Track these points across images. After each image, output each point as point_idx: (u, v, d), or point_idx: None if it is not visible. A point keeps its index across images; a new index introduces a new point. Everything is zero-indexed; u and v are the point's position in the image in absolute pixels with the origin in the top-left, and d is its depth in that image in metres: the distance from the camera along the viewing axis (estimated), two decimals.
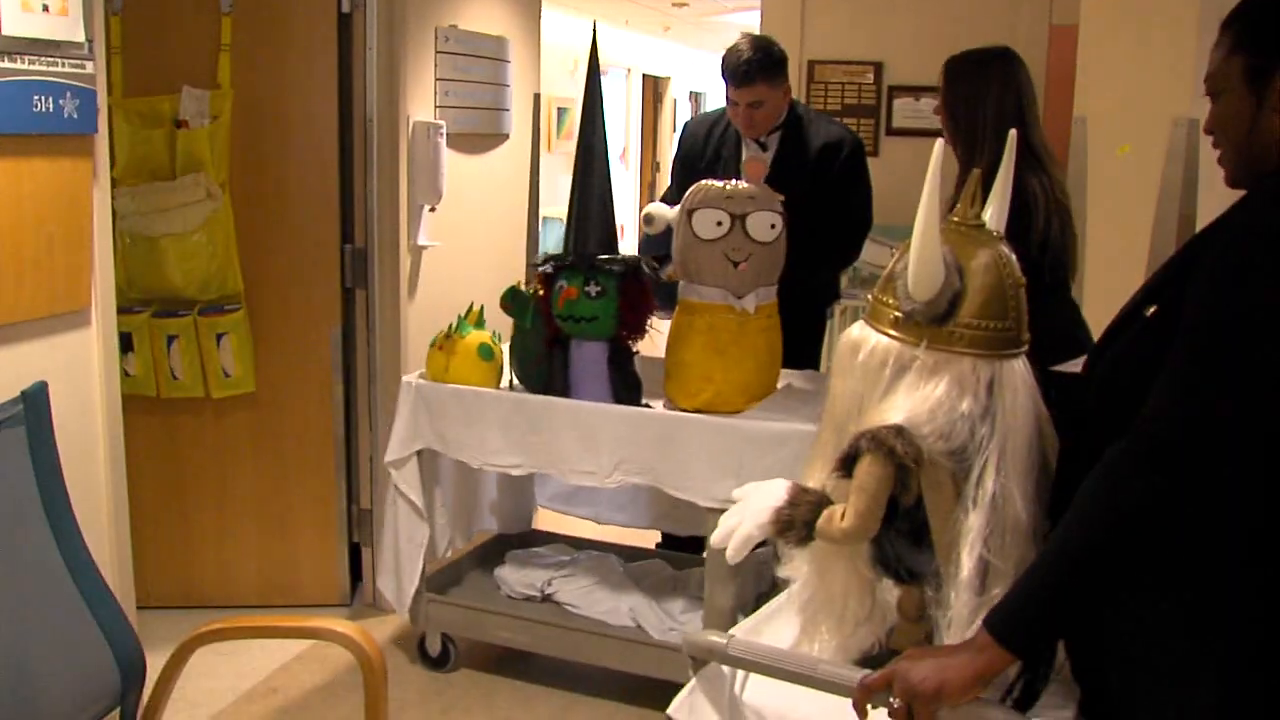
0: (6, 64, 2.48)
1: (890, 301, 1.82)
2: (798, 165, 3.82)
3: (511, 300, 3.43)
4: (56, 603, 2.36)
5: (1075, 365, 1.92)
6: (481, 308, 3.52)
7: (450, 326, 3.46)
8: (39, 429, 2.37)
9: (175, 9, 3.82)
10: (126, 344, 3.67)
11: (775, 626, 2.04)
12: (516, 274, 4.94)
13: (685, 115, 16.65)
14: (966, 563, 1.69)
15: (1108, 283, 4.01)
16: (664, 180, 6.39)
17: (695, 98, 17.72)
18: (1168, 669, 1.52)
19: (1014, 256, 1.84)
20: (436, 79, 4.13)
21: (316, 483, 4.05)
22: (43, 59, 2.57)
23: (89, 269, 2.87)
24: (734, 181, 3.15)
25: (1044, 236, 2.92)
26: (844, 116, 7.86)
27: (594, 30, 3.41)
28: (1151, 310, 1.66)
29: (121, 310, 3.28)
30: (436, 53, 4.12)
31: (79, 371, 2.88)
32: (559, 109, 11.85)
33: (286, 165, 3.88)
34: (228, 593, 4.05)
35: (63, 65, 2.63)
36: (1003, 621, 1.54)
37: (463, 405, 3.42)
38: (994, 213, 1.96)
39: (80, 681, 2.32)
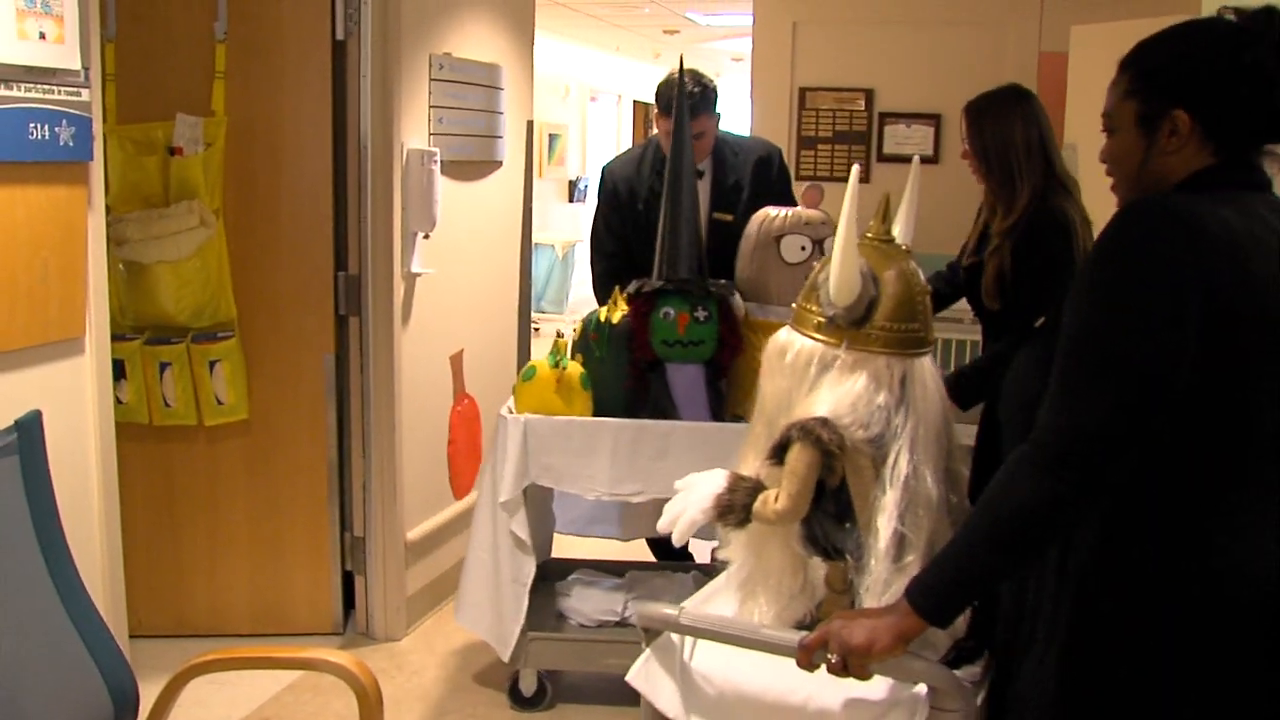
0: (3, 91, 2.48)
1: (814, 308, 2.06)
2: (734, 185, 3.97)
3: (596, 330, 3.42)
4: (49, 632, 2.34)
5: None
6: (571, 340, 3.47)
7: (554, 359, 3.37)
8: (33, 458, 2.36)
9: (169, 36, 3.82)
10: (119, 371, 3.65)
11: (716, 604, 2.24)
12: (510, 301, 4.94)
13: None
14: (884, 535, 1.93)
15: None
16: None
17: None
18: (1037, 631, 1.80)
19: (918, 268, 2.10)
20: (430, 106, 4.14)
21: (309, 510, 4.04)
22: (39, 86, 2.57)
23: (84, 297, 2.86)
24: (790, 209, 3.40)
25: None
26: (835, 143, 7.90)
27: (680, 62, 3.60)
28: (1039, 321, 1.89)
29: (114, 338, 3.26)
30: (431, 80, 4.12)
31: (73, 400, 2.87)
32: (550, 135, 11.90)
33: (280, 192, 3.88)
34: (219, 621, 4.03)
35: (59, 93, 2.63)
36: (920, 594, 1.77)
37: (577, 437, 3.36)
38: (902, 229, 2.20)
39: (73, 712, 2.30)
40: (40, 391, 2.73)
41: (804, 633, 1.86)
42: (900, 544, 1.93)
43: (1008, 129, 3.30)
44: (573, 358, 3.41)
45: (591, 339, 3.43)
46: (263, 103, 3.85)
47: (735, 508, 2.04)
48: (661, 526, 2.14)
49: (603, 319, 3.43)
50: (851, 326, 2.01)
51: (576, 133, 13.72)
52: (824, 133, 7.83)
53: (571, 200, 13.53)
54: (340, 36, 3.86)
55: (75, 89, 2.69)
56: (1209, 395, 1.65)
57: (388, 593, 4.10)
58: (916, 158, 2.10)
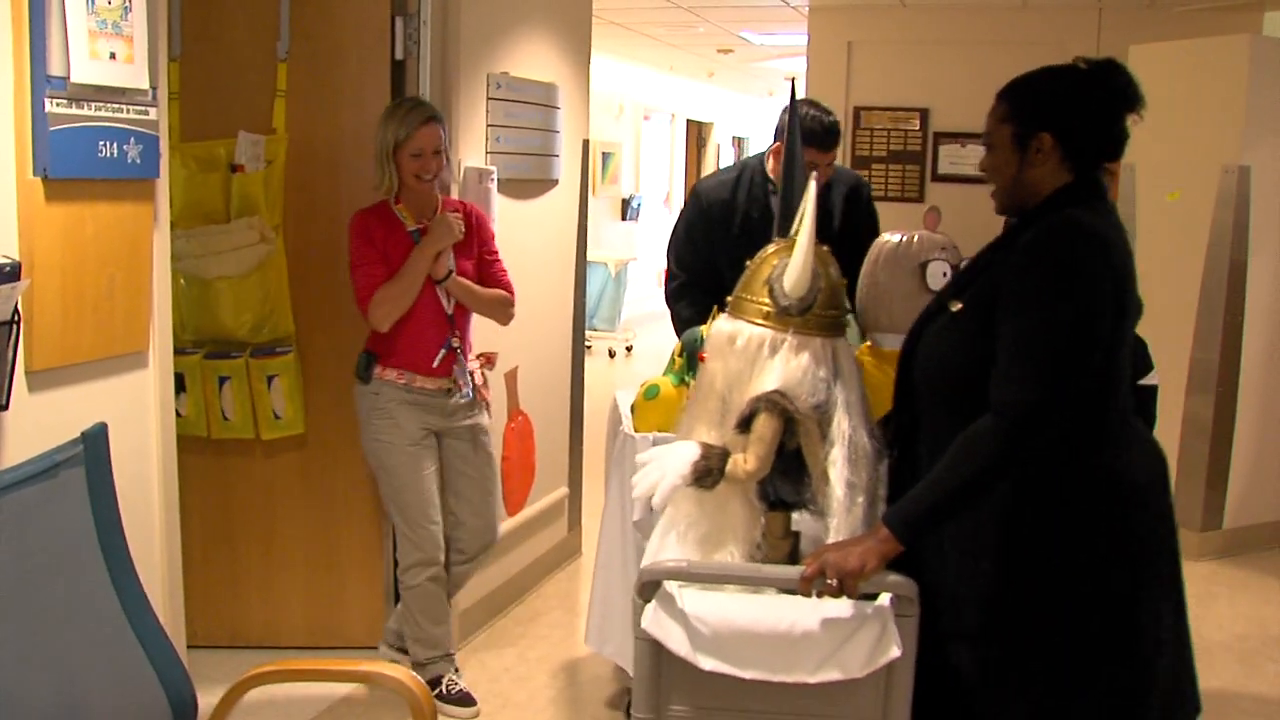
0: (74, 110, 2.52)
1: (764, 301, 2.44)
2: (827, 214, 3.90)
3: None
4: (111, 641, 2.37)
5: (1152, 379, 2.92)
6: (686, 355, 3.44)
7: (679, 377, 3.39)
8: (98, 470, 2.40)
9: (232, 55, 3.89)
10: (179, 385, 3.70)
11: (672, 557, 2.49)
12: (564, 318, 4.97)
13: (728, 160, 16.72)
14: (837, 484, 2.35)
15: (1160, 328, 3.98)
16: None
17: (738, 142, 17.82)
18: (977, 549, 2.26)
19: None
20: (488, 125, 4.18)
21: (364, 525, 4.07)
22: (109, 105, 2.62)
23: (148, 311, 2.91)
24: (917, 233, 3.15)
25: None
26: (889, 163, 7.88)
27: (792, 90, 3.34)
28: (958, 306, 2.32)
29: (175, 351, 3.31)
30: (488, 99, 4.16)
31: (136, 413, 2.92)
32: (604, 153, 11.95)
33: (338, 209, 3.92)
34: (273, 633, 4.07)
35: (127, 111, 2.68)
36: (900, 524, 2.22)
37: None
38: (805, 233, 2.53)
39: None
40: (105, 404, 2.77)
41: (800, 567, 2.25)
42: (850, 490, 2.35)
43: None
44: (683, 376, 3.39)
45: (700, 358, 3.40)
46: (323, 121, 3.90)
47: (712, 471, 2.35)
48: (639, 494, 2.41)
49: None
50: (799, 314, 2.41)
51: (630, 151, 13.76)
52: (878, 152, 7.82)
53: (624, 219, 13.57)
54: (399, 56, 3.91)
55: (143, 108, 2.73)
56: (1106, 373, 2.21)
57: None
58: (812, 183, 2.52)
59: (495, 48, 4.24)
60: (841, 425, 2.38)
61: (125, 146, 2.68)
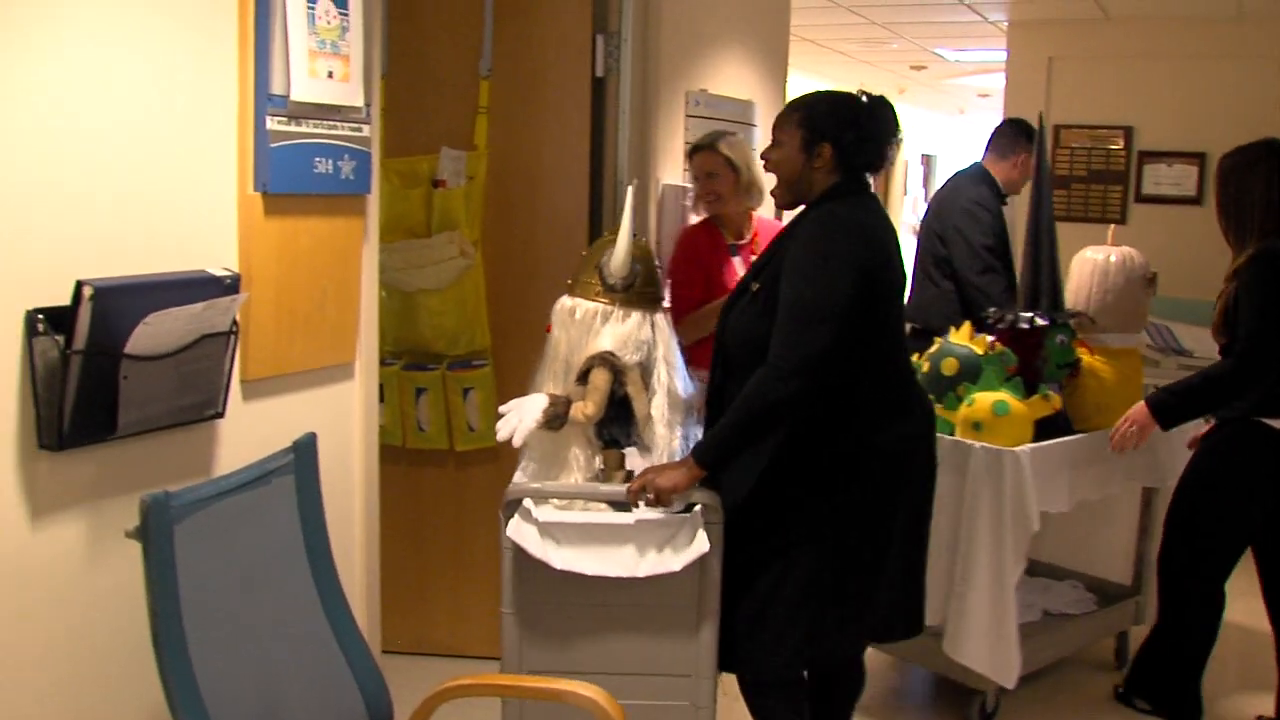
0: (293, 127, 2.59)
1: (595, 282, 2.97)
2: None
3: (987, 361, 3.73)
4: (313, 645, 2.43)
5: None
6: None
7: (1042, 391, 3.68)
8: (306, 478, 2.46)
9: (436, 72, 3.96)
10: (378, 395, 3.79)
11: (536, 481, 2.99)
12: None
13: (916, 178, 16.46)
14: (659, 423, 2.94)
15: None
16: None
17: (926, 160, 17.50)
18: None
19: (652, 252, 3.11)
20: (686, 142, 4.17)
21: None
22: (325, 122, 2.69)
23: (356, 324, 2.97)
24: (1122, 248, 4.08)
25: None
26: (1089, 183, 7.62)
27: (1040, 125, 4.30)
28: (755, 286, 2.87)
29: None
30: (686, 116, 4.16)
31: (341, 423, 2.98)
32: None
33: (536, 225, 3.96)
34: (459, 642, 4.12)
35: (342, 128, 2.74)
36: (702, 454, 2.78)
37: (1066, 455, 3.71)
38: (625, 231, 3.04)
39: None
40: (312, 414, 2.84)
41: (628, 485, 2.81)
42: (669, 427, 2.95)
43: (1250, 186, 3.52)
44: (948, 389, 3.73)
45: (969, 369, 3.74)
46: (523, 137, 3.94)
47: (559, 415, 2.87)
48: (502, 436, 2.89)
49: (984, 350, 3.73)
50: (623, 291, 2.97)
51: None
52: (1079, 171, 7.57)
53: None
54: (600, 74, 3.92)
55: (357, 125, 2.79)
56: (863, 336, 2.74)
57: None
58: (630, 188, 3.09)
59: (694, 65, 4.23)
60: (661, 377, 2.98)
61: (340, 163, 2.75)
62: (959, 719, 3.91)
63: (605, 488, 2.89)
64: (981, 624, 3.54)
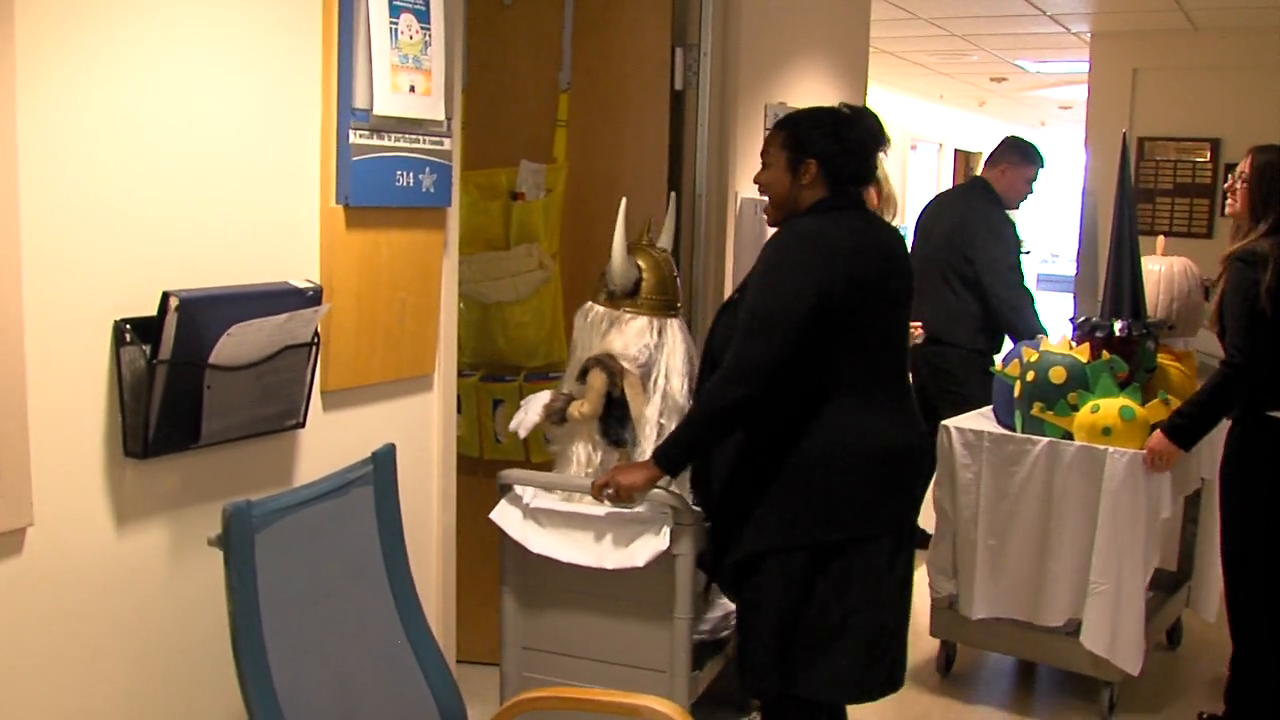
0: (375, 140, 2.62)
1: (602, 289, 3.17)
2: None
3: (1098, 369, 3.93)
4: (390, 654, 2.44)
5: None
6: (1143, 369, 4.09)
7: (1161, 396, 3.90)
8: (385, 488, 2.48)
9: (515, 85, 3.98)
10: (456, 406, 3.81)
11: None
12: None
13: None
14: (648, 425, 3.10)
15: None
16: None
17: None
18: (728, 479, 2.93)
19: (673, 260, 3.31)
20: None
21: None
22: (406, 136, 2.71)
23: (435, 336, 2.99)
24: (1181, 257, 4.56)
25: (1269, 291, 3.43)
26: (1174, 196, 7.49)
27: (1124, 141, 4.57)
28: (737, 296, 2.92)
29: None
30: (765, 129, 4.14)
31: (419, 434, 3.00)
32: None
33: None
34: None
35: (423, 142, 2.76)
36: (662, 456, 2.89)
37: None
38: (665, 239, 3.36)
39: None
40: (391, 425, 2.86)
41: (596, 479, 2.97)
42: (658, 430, 3.09)
43: (1275, 182, 3.53)
44: (1059, 396, 3.89)
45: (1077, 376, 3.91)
46: (602, 150, 3.95)
47: (558, 411, 3.09)
48: (512, 427, 3.25)
49: (1086, 359, 3.92)
50: (627, 298, 3.14)
51: (897, 181, 13.52)
52: (1164, 185, 7.44)
53: None
54: (679, 87, 3.93)
55: (439, 138, 2.82)
56: (833, 345, 2.77)
57: None
58: (624, 201, 3.24)
59: (773, 78, 4.22)
60: (659, 381, 3.13)
61: (421, 176, 2.77)
62: (1089, 711, 4.06)
63: (579, 481, 3.05)
64: (1118, 617, 3.73)
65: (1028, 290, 5.15)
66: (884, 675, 2.92)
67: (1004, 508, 3.93)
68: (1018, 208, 5.35)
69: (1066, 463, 3.81)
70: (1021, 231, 5.47)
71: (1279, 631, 3.60)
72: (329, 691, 2.26)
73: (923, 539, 4.68)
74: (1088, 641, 3.77)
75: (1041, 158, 5.29)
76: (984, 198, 5.28)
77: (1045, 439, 3.87)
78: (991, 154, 5.38)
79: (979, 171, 5.47)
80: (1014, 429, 3.98)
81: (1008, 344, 4.95)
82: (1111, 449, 3.74)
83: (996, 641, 4.17)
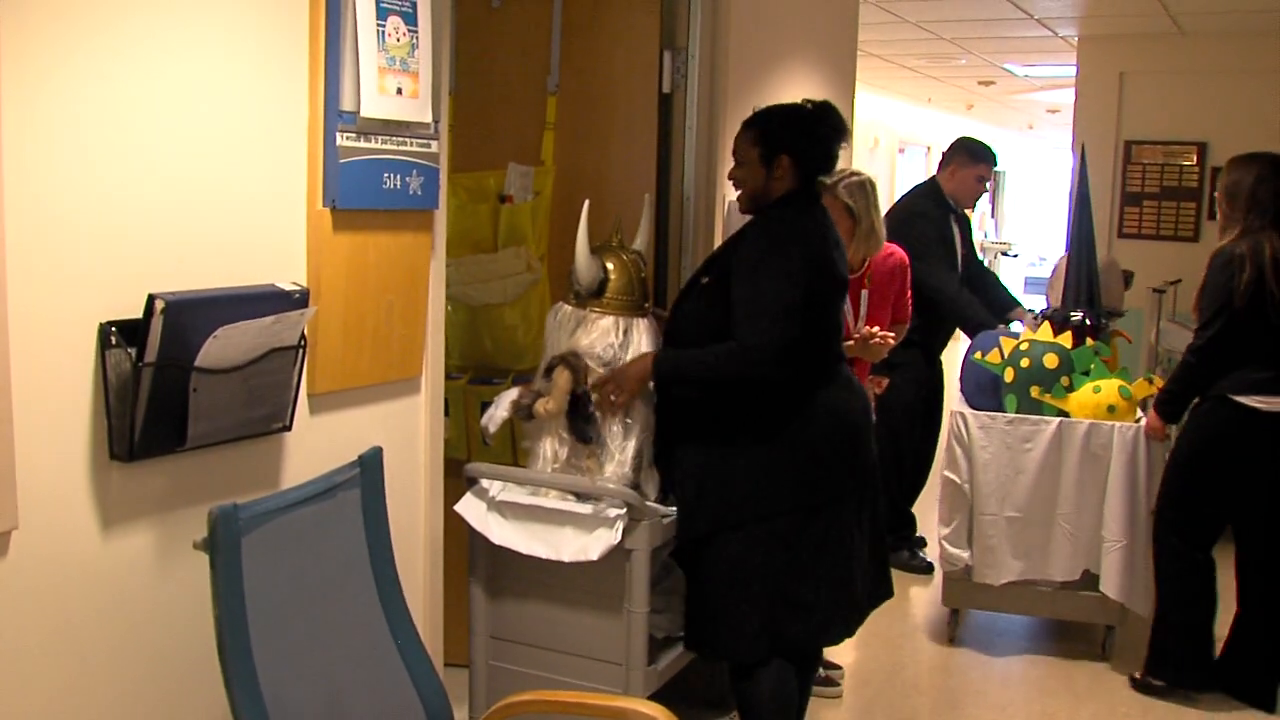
0: (362, 143, 2.62)
1: (570, 290, 3.24)
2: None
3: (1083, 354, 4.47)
4: (376, 657, 2.44)
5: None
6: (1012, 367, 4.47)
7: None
8: (372, 492, 2.48)
9: (504, 88, 3.98)
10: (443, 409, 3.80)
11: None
12: None
13: (984, 195, 16.33)
14: (615, 421, 3.17)
15: None
16: None
17: (994, 176, 17.36)
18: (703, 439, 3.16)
19: (643, 261, 3.35)
20: None
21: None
22: (393, 139, 2.70)
23: (423, 338, 2.98)
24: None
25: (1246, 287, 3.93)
26: (1161, 199, 7.51)
27: (1082, 150, 5.03)
28: (705, 280, 3.16)
29: None
30: None
31: (406, 437, 3.00)
32: None
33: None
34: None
35: (410, 144, 2.76)
36: (662, 362, 3.11)
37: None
38: (641, 240, 3.42)
39: None
40: (378, 428, 2.86)
41: (569, 477, 3.15)
42: (625, 427, 3.18)
43: (1242, 181, 3.99)
44: (1054, 380, 4.39)
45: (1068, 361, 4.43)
46: (590, 153, 3.95)
47: (524, 408, 3.15)
48: (483, 422, 3.31)
49: (1069, 346, 4.42)
50: (593, 297, 3.20)
51: (885, 184, 13.56)
52: (1150, 188, 7.46)
53: None
54: (667, 90, 3.93)
55: (426, 141, 2.81)
56: (811, 326, 3.00)
57: None
58: (586, 202, 3.25)
59: (761, 80, 4.22)
60: None
61: (408, 178, 2.77)
62: (1090, 648, 4.69)
63: (548, 477, 3.16)
64: (1131, 568, 4.30)
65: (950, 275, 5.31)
66: (848, 619, 3.24)
67: (1021, 482, 4.43)
68: (972, 207, 5.56)
69: (1077, 439, 4.34)
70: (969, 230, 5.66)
71: (1206, 584, 4.17)
72: (316, 695, 2.26)
73: (924, 567, 5.51)
74: (1108, 589, 4.32)
75: (993, 155, 5.42)
76: (927, 197, 5.44)
77: (1056, 419, 4.37)
78: (942, 156, 5.54)
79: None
80: (998, 412, 4.50)
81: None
82: (1117, 424, 4.30)
83: (1005, 602, 4.65)
